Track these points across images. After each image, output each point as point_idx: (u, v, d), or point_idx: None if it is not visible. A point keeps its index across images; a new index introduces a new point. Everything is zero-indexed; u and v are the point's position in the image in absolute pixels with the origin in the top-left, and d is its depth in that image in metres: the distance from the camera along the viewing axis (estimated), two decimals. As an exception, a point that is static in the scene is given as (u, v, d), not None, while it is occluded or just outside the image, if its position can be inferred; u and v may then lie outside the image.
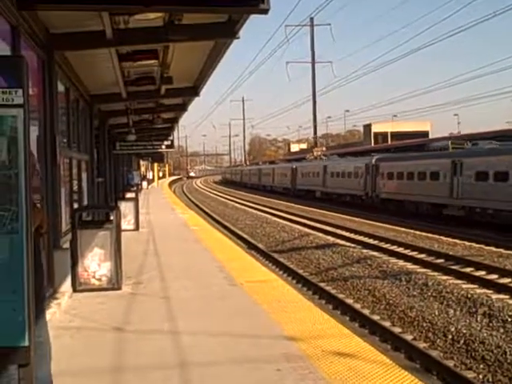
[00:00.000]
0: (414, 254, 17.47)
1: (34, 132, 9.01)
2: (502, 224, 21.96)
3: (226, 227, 27.30)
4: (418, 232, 22.57)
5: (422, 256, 16.95)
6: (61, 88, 11.58)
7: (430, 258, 16.54)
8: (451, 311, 10.82)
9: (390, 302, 11.86)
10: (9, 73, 2.88)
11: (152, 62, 12.05)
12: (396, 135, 57.01)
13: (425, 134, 55.52)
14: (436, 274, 14.29)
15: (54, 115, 9.94)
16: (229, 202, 47.34)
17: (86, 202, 15.35)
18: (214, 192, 68.66)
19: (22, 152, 2.90)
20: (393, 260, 16.44)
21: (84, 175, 15.49)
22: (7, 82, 2.88)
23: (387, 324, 10.50)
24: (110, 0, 4.12)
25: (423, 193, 28.55)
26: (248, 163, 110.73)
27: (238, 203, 44.48)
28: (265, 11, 4.19)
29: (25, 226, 2.92)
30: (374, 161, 35.20)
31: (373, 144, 57.56)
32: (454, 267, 14.91)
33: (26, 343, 2.98)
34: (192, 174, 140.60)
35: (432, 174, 28.10)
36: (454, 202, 25.88)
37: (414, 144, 40.04)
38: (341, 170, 40.70)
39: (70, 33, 9.65)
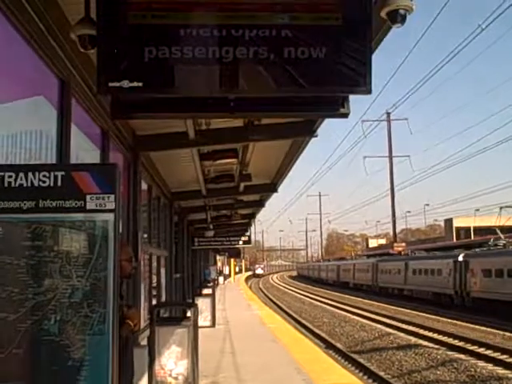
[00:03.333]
0: (504, 357, 16.35)
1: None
2: None
3: (303, 325, 26.70)
4: (507, 333, 21.24)
5: (513, 360, 15.85)
6: (144, 186, 12.07)
7: (522, 362, 15.43)
8: (550, 423, 9.93)
9: (481, 410, 11.04)
10: (103, 180, 3.05)
11: (231, 160, 12.42)
12: (480, 230, 55.14)
13: (510, 228, 53.40)
14: (530, 380, 13.28)
15: (137, 213, 10.31)
16: (305, 298, 46.57)
17: (164, 298, 15.54)
18: (291, 288, 67.86)
19: (112, 255, 3.01)
20: (481, 364, 15.43)
21: (163, 271, 15.78)
22: (101, 189, 3.04)
23: None
24: (196, 108, 4.33)
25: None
26: (322, 259, 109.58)
27: (315, 300, 43.67)
28: (345, 115, 4.28)
29: (111, 328, 2.97)
30: (461, 257, 32.90)
31: (455, 239, 55.83)
32: (549, 373, 13.82)
33: None
34: (259, 272, 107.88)
35: None
36: None
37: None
38: (424, 267, 38.10)
39: (154, 134, 10.17)
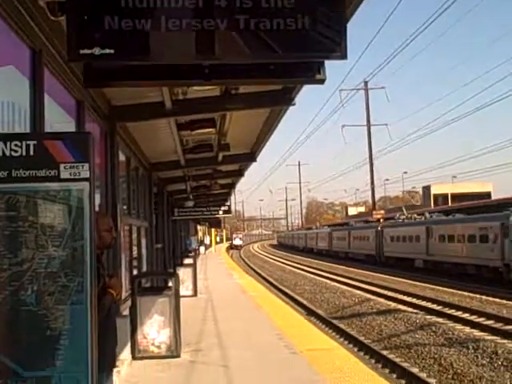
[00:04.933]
0: (481, 320, 16.73)
1: (96, 200, 9.28)
2: None
3: (284, 293, 26.99)
4: (484, 297, 21.70)
5: (490, 322, 16.21)
6: (122, 157, 11.97)
7: (498, 325, 15.79)
8: (524, 381, 10.23)
9: (458, 371, 11.31)
10: (77, 148, 3.01)
11: (209, 130, 12.33)
12: (457, 196, 55.82)
13: (487, 194, 54.14)
14: (506, 341, 13.60)
15: (116, 184, 10.24)
16: (286, 266, 46.99)
17: (145, 268, 15.56)
18: (271, 257, 68.39)
19: (88, 224, 2.99)
20: (459, 327, 15.78)
21: (143, 241, 15.77)
22: (75, 157, 3.00)
23: (456, 395, 9.99)
24: (171, 75, 4.27)
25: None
26: (302, 227, 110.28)
27: (296, 267, 44.09)
28: (321, 81, 4.26)
29: (89, 297, 2.97)
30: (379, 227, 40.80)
31: (432, 206, 56.47)
32: (525, 334, 14.18)
33: (89, 414, 2.97)
34: (237, 243, 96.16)
35: None
36: None
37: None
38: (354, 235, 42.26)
39: (130, 105, 10.04)
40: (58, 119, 6.91)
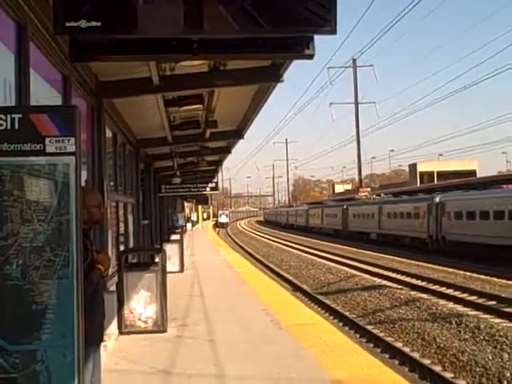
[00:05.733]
0: (464, 295, 16.98)
1: (83, 176, 9.24)
2: None
3: (270, 269, 27.16)
4: (468, 273, 21.98)
5: (473, 298, 16.46)
6: (108, 133, 11.89)
7: (481, 300, 16.04)
8: (505, 355, 10.40)
9: (441, 345, 11.49)
10: (62, 122, 2.98)
11: (197, 106, 12.27)
12: (442, 174, 56.17)
13: (472, 172, 54.52)
14: (488, 316, 13.83)
15: (102, 160, 10.19)
16: (273, 243, 47.21)
17: (132, 245, 15.56)
18: (258, 233, 68.64)
19: (74, 198, 2.98)
20: (442, 302, 16.00)
21: (130, 218, 15.74)
22: (60, 131, 2.98)
23: (438, 369, 10.15)
24: (159, 50, 4.23)
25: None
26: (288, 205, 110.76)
27: (283, 244, 44.31)
28: (310, 57, 4.23)
29: (75, 271, 2.98)
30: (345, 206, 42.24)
31: (418, 184, 56.80)
32: (507, 309, 14.39)
33: (76, 388, 3.00)
34: (223, 220, 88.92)
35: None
36: None
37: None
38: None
39: (117, 80, 9.95)
40: (44, 94, 6.84)
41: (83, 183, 9.05)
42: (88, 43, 4.11)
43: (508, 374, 9.30)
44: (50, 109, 3.15)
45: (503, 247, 24.74)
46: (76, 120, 3.01)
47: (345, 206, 51.62)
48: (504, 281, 19.48)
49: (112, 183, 12.80)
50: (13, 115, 2.99)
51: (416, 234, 34.65)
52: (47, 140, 2.97)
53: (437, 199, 32.63)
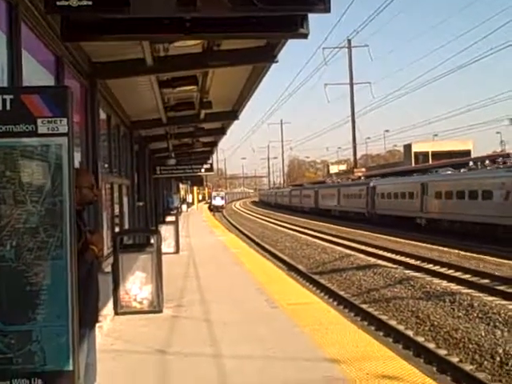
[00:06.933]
0: (458, 274, 17.09)
1: (77, 158, 9.22)
2: None
3: (266, 249, 27.26)
4: (462, 252, 22.10)
5: (467, 276, 16.57)
6: (102, 115, 11.84)
7: (475, 279, 16.15)
8: (498, 332, 10.51)
9: (435, 323, 11.60)
10: (54, 103, 2.97)
11: (191, 87, 12.21)
12: (437, 155, 56.19)
13: (467, 152, 54.52)
14: (481, 294, 13.93)
15: (96, 142, 10.17)
16: (268, 224, 47.34)
17: (127, 226, 15.58)
18: (253, 214, 68.77)
19: (67, 179, 2.98)
20: (436, 281, 16.11)
21: (125, 199, 15.75)
22: (52, 112, 2.96)
23: (432, 346, 10.25)
24: (151, 29, 4.20)
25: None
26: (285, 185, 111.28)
27: (278, 225, 44.43)
28: (304, 35, 4.22)
29: (69, 252, 2.98)
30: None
31: (413, 164, 56.83)
32: (500, 288, 14.51)
33: (71, 367, 3.02)
34: (218, 203, 78.62)
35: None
36: None
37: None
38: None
39: (111, 61, 9.89)
40: (36, 76, 6.80)
41: (77, 165, 9.03)
42: (80, 23, 4.09)
43: (500, 351, 9.40)
44: (42, 89, 3.13)
45: (409, 218, 34.90)
46: (68, 100, 2.99)
47: (316, 189, 62.67)
48: (498, 259, 19.61)
49: (106, 165, 12.78)
50: (4, 96, 2.97)
51: (359, 210, 45.65)
52: (39, 121, 2.96)
53: (371, 184, 43.23)
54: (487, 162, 30.29)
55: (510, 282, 15.20)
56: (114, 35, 4.41)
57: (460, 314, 12.13)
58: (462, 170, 31.99)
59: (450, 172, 33.34)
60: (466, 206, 28.30)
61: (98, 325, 4.77)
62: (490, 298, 13.40)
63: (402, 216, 36.02)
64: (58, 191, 2.97)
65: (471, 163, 32.36)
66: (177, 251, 16.59)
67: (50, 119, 2.96)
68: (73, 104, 3.04)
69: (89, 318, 3.96)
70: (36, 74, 6.80)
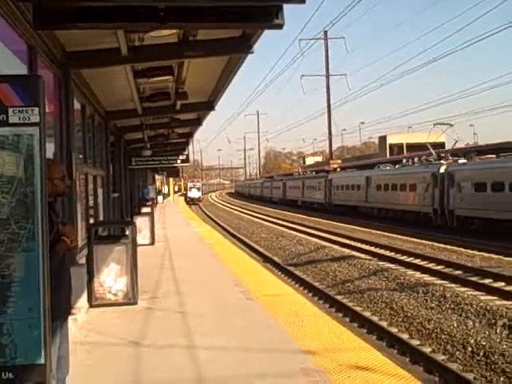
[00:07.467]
0: (431, 265, 17.31)
1: (50, 149, 9.11)
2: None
3: (241, 241, 27.28)
4: (436, 244, 22.38)
5: (440, 268, 16.79)
6: (77, 105, 11.71)
7: (447, 270, 16.37)
8: (470, 323, 10.69)
9: (408, 314, 11.74)
10: (25, 91, 2.91)
11: (167, 77, 12.13)
12: (412, 146, 56.63)
13: (441, 145, 55.04)
14: (454, 285, 14.14)
15: (70, 132, 10.06)
16: (244, 215, 47.36)
17: (101, 217, 15.46)
18: (229, 206, 68.76)
19: (38, 170, 2.93)
20: (410, 272, 16.30)
21: (100, 190, 15.63)
22: (24, 101, 2.91)
23: (405, 336, 10.38)
24: (126, 18, 4.15)
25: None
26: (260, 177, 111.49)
27: (254, 216, 44.49)
28: (279, 26, 4.21)
29: (41, 244, 2.94)
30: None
31: (388, 156, 57.23)
32: (472, 279, 14.74)
33: (42, 361, 2.98)
34: (194, 195, 74.15)
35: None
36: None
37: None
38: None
39: (85, 51, 9.78)
40: (8, 65, 6.68)
41: (51, 155, 8.92)
42: (53, 11, 4.01)
43: (472, 341, 9.56)
44: (12, 78, 3.07)
45: (357, 207, 41.21)
46: (39, 89, 2.94)
47: (284, 180, 67.80)
48: (470, 251, 19.90)
49: (81, 155, 12.65)
50: (-27, 85, 2.91)
51: (319, 201, 51.16)
52: (10, 110, 2.90)
53: (329, 177, 48.62)
54: (416, 159, 35.82)
55: (481, 273, 15.45)
56: (88, 23, 4.34)
57: (433, 304, 12.30)
58: (396, 166, 37.65)
59: (388, 168, 38.98)
60: (397, 196, 34.02)
61: (72, 317, 4.74)
62: (463, 289, 13.60)
63: (352, 205, 42.27)
64: (30, 182, 2.92)
65: (404, 160, 38.49)
66: (152, 243, 16.52)
67: (21, 108, 2.90)
68: (44, 93, 2.99)
69: (61, 311, 3.92)
70: (8, 63, 6.69)
